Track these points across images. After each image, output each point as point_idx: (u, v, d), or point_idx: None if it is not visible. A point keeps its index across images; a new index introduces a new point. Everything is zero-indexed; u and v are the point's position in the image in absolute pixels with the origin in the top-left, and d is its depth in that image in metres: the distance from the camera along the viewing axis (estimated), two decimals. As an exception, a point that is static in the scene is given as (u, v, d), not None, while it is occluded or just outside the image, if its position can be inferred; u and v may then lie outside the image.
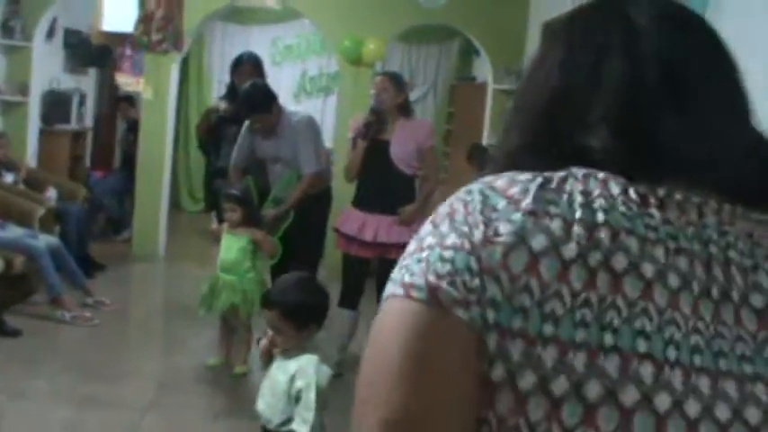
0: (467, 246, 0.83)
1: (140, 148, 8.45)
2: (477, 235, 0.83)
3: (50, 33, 8.86)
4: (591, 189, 0.85)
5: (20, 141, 7.99)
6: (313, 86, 11.60)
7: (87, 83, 10.35)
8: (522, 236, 0.82)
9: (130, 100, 9.55)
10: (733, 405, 0.82)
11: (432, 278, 0.83)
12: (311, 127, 5.66)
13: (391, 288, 0.89)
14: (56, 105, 9.00)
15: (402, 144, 5.08)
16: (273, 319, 2.95)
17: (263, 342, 3.06)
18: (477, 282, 0.81)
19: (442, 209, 0.89)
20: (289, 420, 2.94)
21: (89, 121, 10.21)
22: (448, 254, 0.83)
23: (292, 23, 11.25)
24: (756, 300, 0.85)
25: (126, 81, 9.25)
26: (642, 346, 0.80)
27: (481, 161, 7.63)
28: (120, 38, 8.93)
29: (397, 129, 5.12)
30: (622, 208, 0.84)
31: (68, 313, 6.09)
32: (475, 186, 0.89)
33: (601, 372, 0.79)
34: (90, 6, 9.15)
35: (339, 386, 5.26)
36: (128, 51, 9.40)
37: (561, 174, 0.87)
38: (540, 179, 0.86)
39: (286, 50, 11.55)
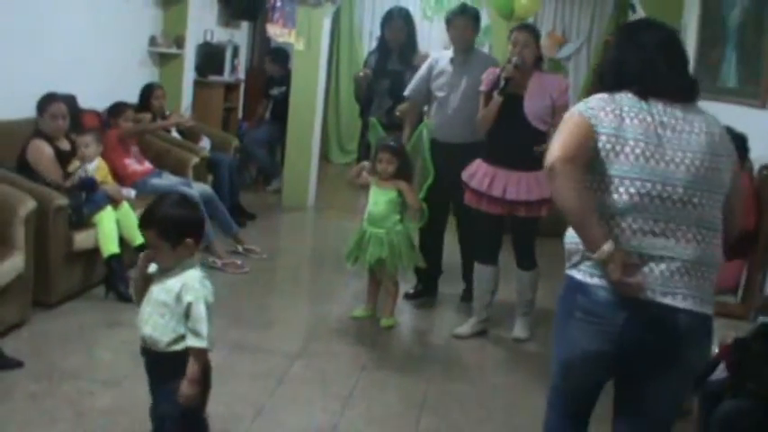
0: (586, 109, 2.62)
1: (292, 99, 8.53)
2: (592, 106, 2.62)
3: (205, -14, 9.01)
4: (622, 97, 2.61)
5: (175, 93, 8.15)
6: (463, 40, 11.43)
7: (240, 36, 10.49)
8: (594, 110, 2.60)
9: (274, 54, 9.69)
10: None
11: (580, 110, 2.62)
12: None
13: (572, 108, 2.68)
14: (210, 57, 9.14)
15: (536, 99, 4.90)
16: (151, 238, 2.92)
17: (139, 261, 3.03)
18: (591, 110, 2.59)
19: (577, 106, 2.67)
20: (179, 339, 2.92)
21: (241, 74, 10.36)
22: (583, 107, 2.62)
23: (444, -23, 11.11)
24: (681, 128, 2.57)
25: (277, 32, 9.30)
26: (641, 136, 2.54)
27: None
28: (274, -9, 8.99)
29: (531, 83, 4.95)
30: (631, 100, 2.60)
31: (220, 260, 6.22)
32: (581, 105, 2.62)
33: (627, 140, 2.54)
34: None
35: (484, 344, 5.25)
36: (279, 3, 9.44)
37: (613, 94, 2.62)
38: (603, 96, 2.63)
39: (437, 4, 11.35)
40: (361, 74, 6.70)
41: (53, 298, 5.02)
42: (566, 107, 4.91)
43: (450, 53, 5.70)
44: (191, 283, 2.93)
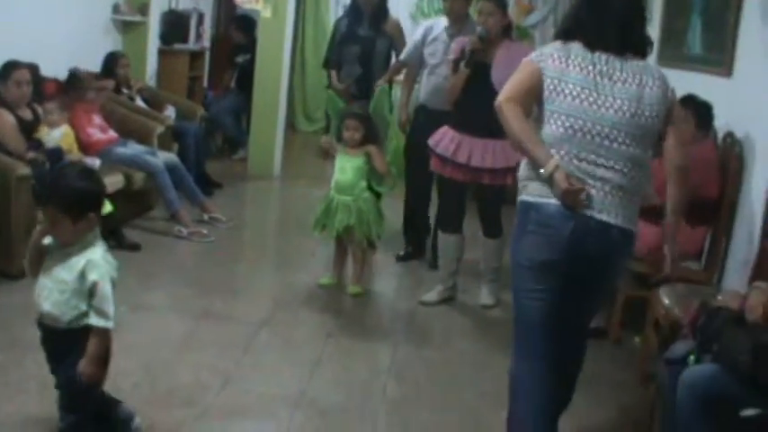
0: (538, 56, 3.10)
1: (257, 67, 8.47)
2: (543, 53, 3.10)
3: (170, -47, 8.89)
4: (572, 46, 3.04)
5: (139, 61, 8.05)
6: (431, 8, 11.28)
7: (205, 3, 10.35)
8: (544, 57, 3.06)
9: (239, 21, 9.64)
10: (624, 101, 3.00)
11: (532, 57, 3.10)
12: None
13: (529, 56, 3.15)
14: (175, 25, 8.99)
15: (504, 68, 4.81)
16: (51, 212, 2.83)
17: (34, 236, 2.97)
18: (541, 57, 3.07)
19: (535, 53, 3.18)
20: (81, 316, 2.87)
21: (207, 41, 10.25)
22: (537, 54, 3.10)
23: (412, -59, 11.02)
24: (617, 78, 3.00)
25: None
26: (580, 81, 2.99)
27: None
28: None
29: (499, 52, 4.90)
30: (580, 50, 3.02)
31: (185, 229, 6.20)
32: (535, 53, 3.12)
33: (568, 83, 3.00)
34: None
35: (451, 311, 5.27)
36: (246, -30, 9.32)
37: (567, 42, 3.06)
38: (557, 44, 3.09)
39: (407, -29, 11.27)
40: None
41: (15, 269, 4.96)
42: None
43: (445, 20, 5.68)
44: (95, 261, 2.87)
